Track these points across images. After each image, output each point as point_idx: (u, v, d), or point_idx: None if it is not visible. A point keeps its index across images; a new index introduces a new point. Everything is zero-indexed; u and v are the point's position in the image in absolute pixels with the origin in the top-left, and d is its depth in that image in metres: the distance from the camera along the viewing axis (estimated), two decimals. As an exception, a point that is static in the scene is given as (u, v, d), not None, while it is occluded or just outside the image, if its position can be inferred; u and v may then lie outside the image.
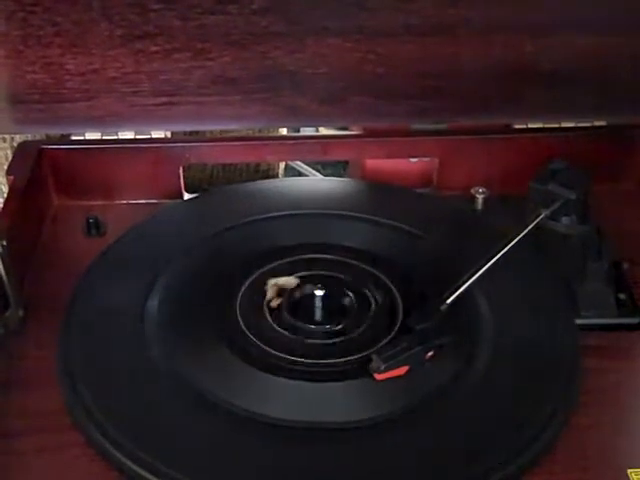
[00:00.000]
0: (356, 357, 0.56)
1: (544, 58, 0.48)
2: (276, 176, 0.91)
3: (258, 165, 0.87)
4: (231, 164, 0.86)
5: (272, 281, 0.61)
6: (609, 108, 0.57)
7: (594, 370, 0.56)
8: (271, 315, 0.60)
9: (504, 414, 0.53)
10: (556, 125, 0.74)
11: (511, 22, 0.45)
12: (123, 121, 0.54)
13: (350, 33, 0.44)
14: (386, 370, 0.53)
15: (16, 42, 0.44)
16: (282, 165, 0.93)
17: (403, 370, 0.54)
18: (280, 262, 0.65)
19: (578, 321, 0.60)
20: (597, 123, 0.74)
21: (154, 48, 0.45)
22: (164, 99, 0.50)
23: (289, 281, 0.61)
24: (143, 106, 0.51)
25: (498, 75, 0.49)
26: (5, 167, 0.73)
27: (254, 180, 0.79)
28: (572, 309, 0.60)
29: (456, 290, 0.57)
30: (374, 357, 0.54)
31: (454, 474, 0.49)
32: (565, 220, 0.62)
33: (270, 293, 0.61)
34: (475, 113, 0.55)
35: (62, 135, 0.76)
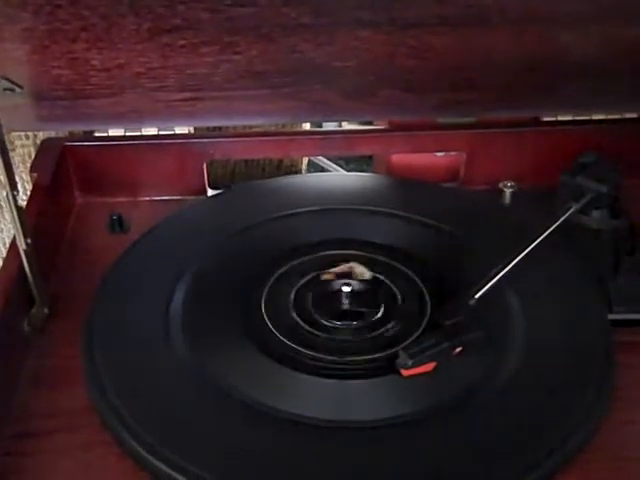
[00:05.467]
0: (384, 354, 0.55)
1: (579, 49, 0.47)
2: (299, 172, 0.90)
3: (281, 161, 0.87)
4: (254, 160, 0.85)
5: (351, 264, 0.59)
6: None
7: (628, 366, 0.55)
8: (297, 312, 0.59)
9: (536, 412, 0.52)
10: (586, 117, 0.73)
11: (545, 12, 0.44)
12: (147, 117, 0.54)
13: (381, 25, 0.43)
14: (413, 366, 0.53)
15: (42, 37, 0.44)
16: (305, 160, 0.92)
17: (430, 366, 0.53)
18: (306, 258, 0.64)
19: (610, 316, 0.59)
20: (628, 115, 0.73)
21: (181, 42, 0.44)
22: (189, 94, 0.50)
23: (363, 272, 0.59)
24: (168, 102, 0.50)
25: (531, 67, 0.48)
26: (29, 165, 0.73)
27: (277, 176, 0.78)
28: (604, 304, 0.59)
29: (484, 285, 0.56)
30: (401, 353, 0.53)
31: (486, 473, 0.48)
32: (596, 214, 0.61)
33: (338, 269, 0.58)
34: (507, 106, 0.54)
35: (85, 132, 0.76)
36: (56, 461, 0.50)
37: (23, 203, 0.60)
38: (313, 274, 0.63)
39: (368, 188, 0.72)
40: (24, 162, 0.82)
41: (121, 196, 0.74)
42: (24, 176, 0.81)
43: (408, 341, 0.56)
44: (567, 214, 0.60)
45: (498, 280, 0.57)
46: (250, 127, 0.77)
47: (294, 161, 0.88)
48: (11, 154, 0.64)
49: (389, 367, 0.54)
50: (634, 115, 0.72)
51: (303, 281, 0.62)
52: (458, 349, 0.54)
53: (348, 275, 0.59)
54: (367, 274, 0.58)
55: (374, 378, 0.54)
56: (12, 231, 0.58)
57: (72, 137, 0.76)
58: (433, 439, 0.50)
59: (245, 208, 0.70)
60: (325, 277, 0.61)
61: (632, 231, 0.63)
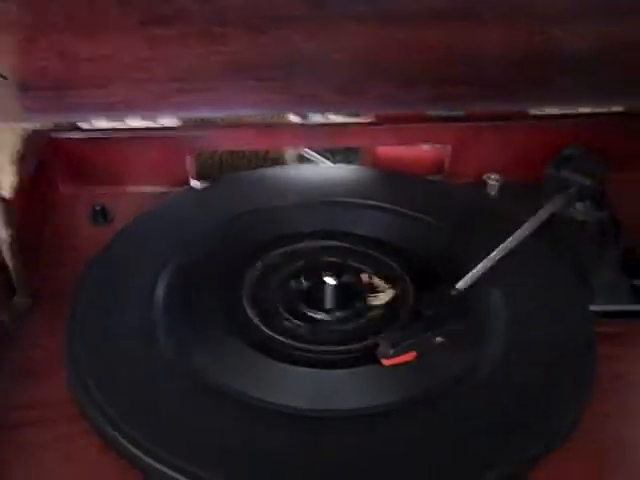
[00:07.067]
0: (365, 343, 0.56)
1: (571, 43, 0.47)
2: (285, 163, 0.90)
3: (267, 152, 0.87)
4: (240, 151, 0.85)
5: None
6: (635, 94, 0.56)
7: (609, 357, 0.56)
8: (280, 302, 0.59)
9: (518, 402, 0.52)
10: (573, 111, 0.73)
11: (537, 6, 0.44)
12: (135, 108, 0.54)
13: (371, 18, 0.43)
14: (394, 355, 0.53)
15: (30, 28, 0.44)
16: (291, 152, 0.92)
17: (412, 356, 0.53)
18: (290, 249, 0.65)
19: (593, 308, 0.59)
20: (614, 109, 0.73)
21: (170, 33, 0.44)
22: (177, 85, 0.49)
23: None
24: (156, 93, 0.50)
25: (523, 61, 0.48)
26: (14, 156, 0.72)
27: (263, 167, 0.78)
28: (587, 296, 0.60)
29: (466, 275, 0.57)
30: (382, 342, 0.53)
31: (468, 462, 0.49)
32: (580, 206, 0.62)
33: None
34: (499, 99, 0.54)
35: (71, 124, 0.76)
36: (37, 452, 0.50)
37: (7, 194, 0.60)
38: (297, 265, 0.63)
39: (353, 180, 0.73)
40: (10, 153, 0.81)
41: (107, 187, 0.74)
42: (9, 167, 0.80)
43: (390, 330, 0.56)
44: (550, 207, 0.61)
45: (482, 271, 0.57)
46: (236, 119, 0.76)
47: (280, 153, 0.88)
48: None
49: (371, 357, 0.54)
50: (620, 109, 0.73)
51: (287, 272, 0.62)
52: (439, 339, 0.54)
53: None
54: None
55: (357, 367, 0.54)
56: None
57: (58, 129, 0.75)
58: (418, 428, 0.50)
59: (231, 200, 0.70)
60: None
61: (616, 223, 0.63)
